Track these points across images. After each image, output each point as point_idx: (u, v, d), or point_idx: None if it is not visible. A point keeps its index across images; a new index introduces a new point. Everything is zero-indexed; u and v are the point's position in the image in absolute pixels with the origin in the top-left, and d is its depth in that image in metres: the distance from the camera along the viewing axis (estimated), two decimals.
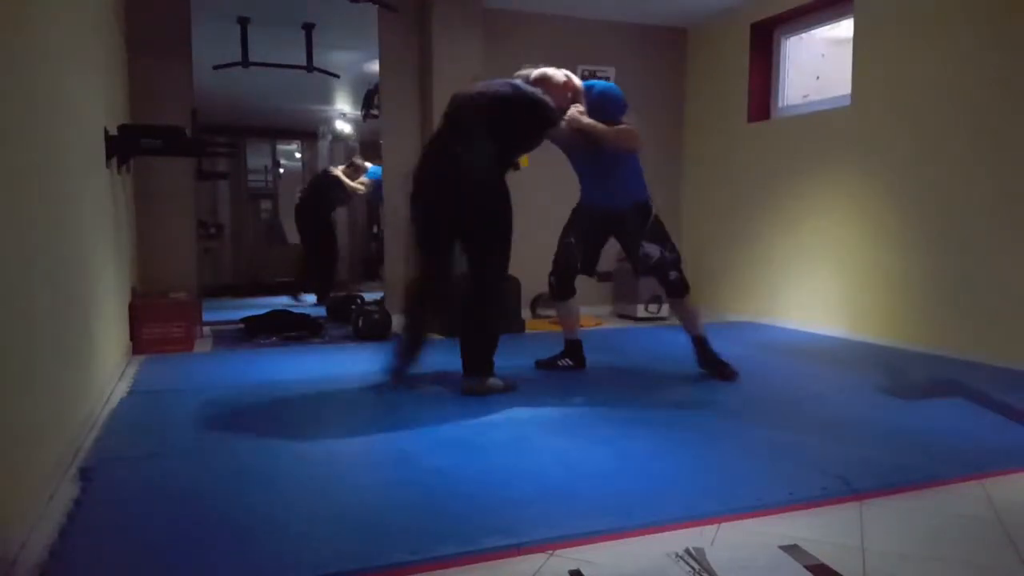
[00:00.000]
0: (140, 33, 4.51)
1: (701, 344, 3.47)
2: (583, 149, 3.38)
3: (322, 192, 5.95)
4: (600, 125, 3.24)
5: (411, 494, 1.98)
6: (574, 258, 3.52)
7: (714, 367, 3.42)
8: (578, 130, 3.26)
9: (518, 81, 3.19)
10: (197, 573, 1.54)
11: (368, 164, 5.99)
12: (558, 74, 3.30)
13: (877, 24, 4.38)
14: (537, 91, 3.14)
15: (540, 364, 3.66)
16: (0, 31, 1.71)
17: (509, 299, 4.11)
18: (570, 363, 3.65)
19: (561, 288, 3.57)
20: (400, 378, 3.18)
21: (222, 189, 6.20)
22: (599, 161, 3.37)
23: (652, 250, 3.38)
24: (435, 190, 3.06)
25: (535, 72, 3.29)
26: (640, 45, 5.90)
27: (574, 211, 3.58)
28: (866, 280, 4.49)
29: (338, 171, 5.88)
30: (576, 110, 3.25)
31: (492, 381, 3.10)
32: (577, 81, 3.36)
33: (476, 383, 3.08)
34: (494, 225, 3.06)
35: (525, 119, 3.12)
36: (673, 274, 3.41)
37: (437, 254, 3.14)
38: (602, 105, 3.29)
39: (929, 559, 1.64)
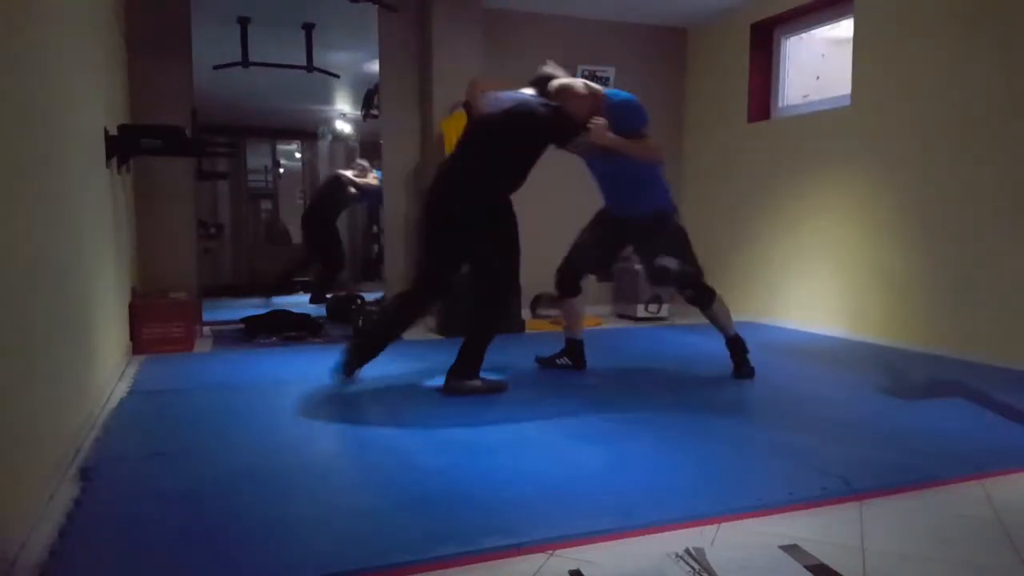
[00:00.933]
0: (140, 33, 4.51)
1: (734, 343, 3.46)
2: (601, 157, 3.34)
3: (336, 196, 5.98)
4: (624, 141, 3.19)
5: (411, 494, 1.98)
6: (579, 259, 3.52)
7: (740, 365, 3.44)
8: (603, 147, 3.21)
9: (530, 98, 3.18)
10: (197, 573, 1.54)
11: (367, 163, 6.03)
12: (579, 85, 3.25)
13: (877, 24, 4.38)
14: (554, 107, 3.15)
15: (540, 360, 3.68)
16: (0, 31, 1.71)
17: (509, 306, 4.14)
18: (568, 362, 3.65)
19: (563, 285, 3.57)
20: (351, 372, 3.18)
21: (222, 189, 6.19)
22: (617, 170, 3.34)
23: (669, 263, 3.35)
24: (445, 207, 3.13)
25: (556, 83, 3.22)
26: (640, 45, 5.90)
27: (598, 213, 3.57)
28: (866, 280, 4.49)
29: (349, 173, 5.93)
30: (600, 125, 3.17)
31: (472, 383, 3.12)
32: (597, 89, 3.31)
33: (456, 383, 3.10)
34: (497, 240, 3.12)
35: (544, 138, 3.16)
36: (688, 292, 3.42)
37: (443, 267, 3.19)
38: (623, 116, 3.23)
39: (929, 559, 1.64)
